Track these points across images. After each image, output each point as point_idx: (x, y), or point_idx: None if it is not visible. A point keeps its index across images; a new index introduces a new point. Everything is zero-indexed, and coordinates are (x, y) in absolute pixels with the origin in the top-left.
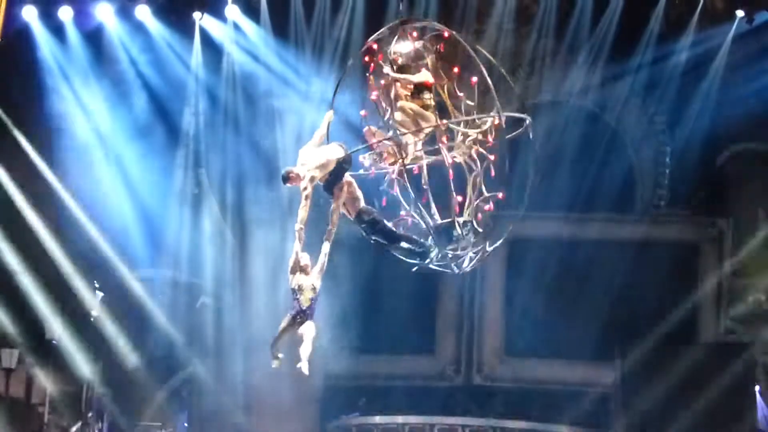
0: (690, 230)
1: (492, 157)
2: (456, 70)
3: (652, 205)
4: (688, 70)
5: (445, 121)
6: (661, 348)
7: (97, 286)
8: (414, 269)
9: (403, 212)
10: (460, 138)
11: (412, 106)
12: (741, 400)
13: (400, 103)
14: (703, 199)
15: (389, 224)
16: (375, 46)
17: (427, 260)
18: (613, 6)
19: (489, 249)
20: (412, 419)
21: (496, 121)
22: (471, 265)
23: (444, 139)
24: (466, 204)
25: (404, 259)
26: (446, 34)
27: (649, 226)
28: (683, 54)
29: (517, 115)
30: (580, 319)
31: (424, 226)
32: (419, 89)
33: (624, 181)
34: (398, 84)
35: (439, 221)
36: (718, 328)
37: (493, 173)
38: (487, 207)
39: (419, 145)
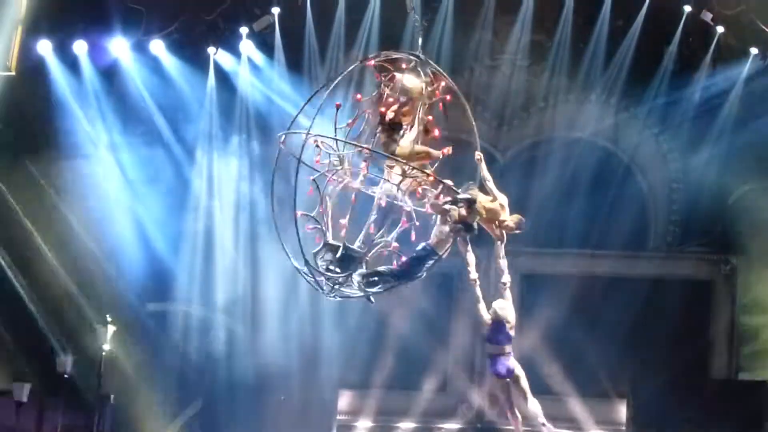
0: (703, 267)
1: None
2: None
3: (665, 242)
4: (702, 107)
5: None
6: (673, 385)
7: (109, 319)
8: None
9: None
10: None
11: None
12: None
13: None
14: (716, 237)
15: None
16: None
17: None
18: (627, 43)
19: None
20: None
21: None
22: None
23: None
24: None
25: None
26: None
27: (662, 262)
28: (697, 91)
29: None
30: (592, 355)
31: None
32: (393, 126)
33: (637, 218)
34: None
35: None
36: (730, 366)
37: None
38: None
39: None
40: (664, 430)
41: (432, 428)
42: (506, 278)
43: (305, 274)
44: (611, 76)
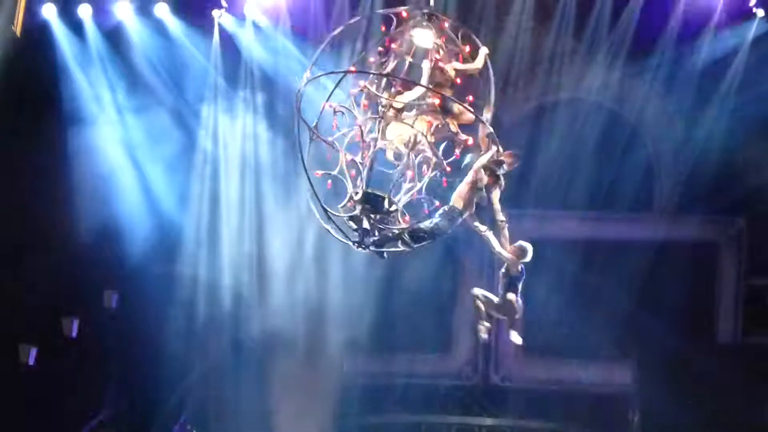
0: (710, 229)
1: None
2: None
3: (671, 203)
4: (708, 69)
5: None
6: (679, 348)
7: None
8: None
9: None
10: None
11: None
12: (759, 402)
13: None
14: (722, 198)
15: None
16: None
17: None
18: (633, 4)
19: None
20: (430, 418)
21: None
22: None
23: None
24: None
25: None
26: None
27: (668, 225)
28: (703, 52)
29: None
30: (598, 318)
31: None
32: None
33: (643, 180)
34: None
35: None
36: (736, 329)
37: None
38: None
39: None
40: (670, 392)
41: (449, 424)
42: (502, 216)
43: (336, 224)
44: (617, 37)
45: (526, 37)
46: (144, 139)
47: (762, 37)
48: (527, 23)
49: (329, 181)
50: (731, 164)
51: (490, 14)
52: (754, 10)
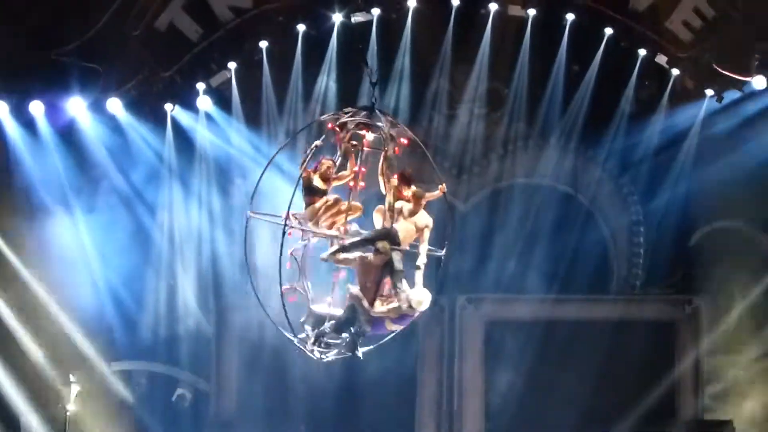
0: (666, 309)
1: None
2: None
3: (628, 284)
4: (661, 149)
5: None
6: (641, 427)
7: (72, 379)
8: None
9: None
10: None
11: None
12: None
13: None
14: (678, 278)
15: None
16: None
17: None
18: (584, 89)
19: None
20: None
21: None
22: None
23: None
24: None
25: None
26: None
27: (626, 305)
28: (655, 133)
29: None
30: (560, 400)
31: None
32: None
33: (600, 261)
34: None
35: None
36: (697, 406)
37: None
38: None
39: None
40: None
41: None
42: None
43: (298, 344)
44: (569, 121)
45: (479, 124)
46: (99, 234)
47: (712, 116)
48: (480, 110)
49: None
50: (686, 244)
51: (442, 103)
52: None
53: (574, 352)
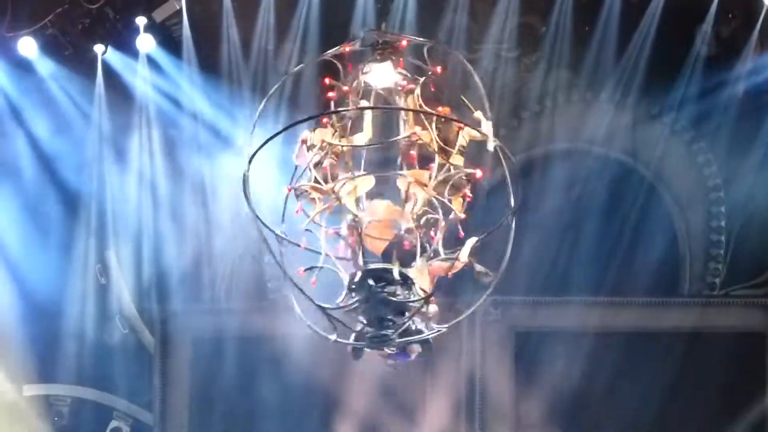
0: (755, 315)
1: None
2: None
3: (704, 284)
4: (747, 105)
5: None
6: None
7: None
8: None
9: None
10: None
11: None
12: None
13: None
14: None
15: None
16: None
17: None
18: (647, 22)
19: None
20: None
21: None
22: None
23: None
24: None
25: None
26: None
27: (702, 311)
28: (740, 84)
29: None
30: (616, 429)
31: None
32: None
33: (667, 254)
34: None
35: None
36: None
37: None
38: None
39: None
40: None
41: None
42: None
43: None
44: (627, 68)
45: (508, 71)
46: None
47: None
48: (509, 53)
49: (313, 279)
50: None
51: (460, 43)
52: None
53: (633, 371)
